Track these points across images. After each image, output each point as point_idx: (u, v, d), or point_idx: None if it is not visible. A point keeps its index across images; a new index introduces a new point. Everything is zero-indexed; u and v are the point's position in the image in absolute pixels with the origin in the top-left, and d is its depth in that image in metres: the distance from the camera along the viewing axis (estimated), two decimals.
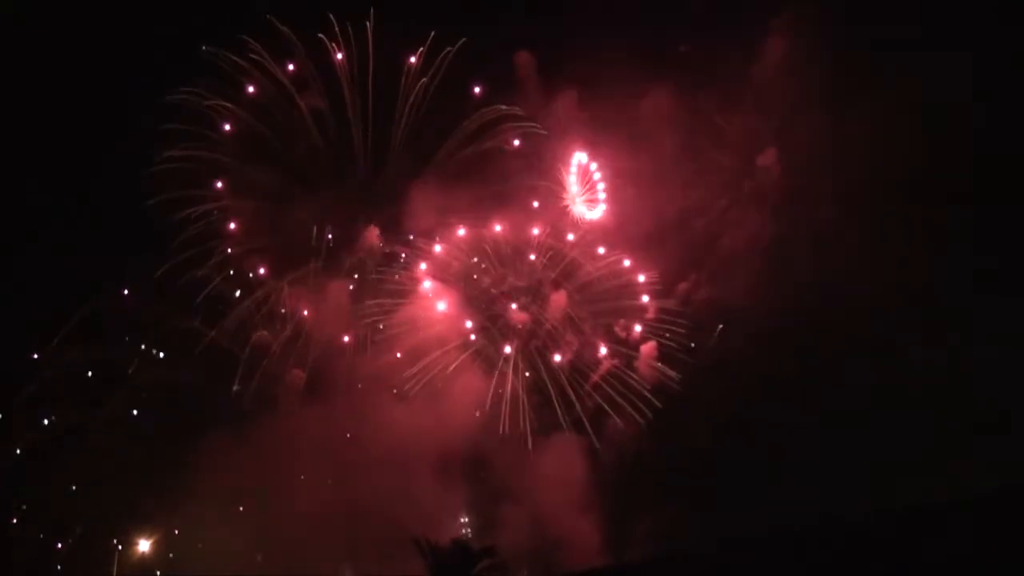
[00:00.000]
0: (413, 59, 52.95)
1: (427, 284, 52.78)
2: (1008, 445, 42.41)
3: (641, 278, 51.93)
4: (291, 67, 52.95)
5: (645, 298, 51.93)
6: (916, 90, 45.13)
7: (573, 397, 50.69)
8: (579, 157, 52.90)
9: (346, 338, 52.31)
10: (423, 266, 53.10)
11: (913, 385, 45.73)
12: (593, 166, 52.82)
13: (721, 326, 51.69)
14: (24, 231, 50.48)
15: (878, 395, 47.06)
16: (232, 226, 52.34)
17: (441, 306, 51.68)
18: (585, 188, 52.66)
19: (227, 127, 52.75)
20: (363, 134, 53.66)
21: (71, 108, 51.03)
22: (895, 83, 46.23)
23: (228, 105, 52.60)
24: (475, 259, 53.09)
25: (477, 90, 53.25)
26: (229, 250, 52.21)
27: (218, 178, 52.31)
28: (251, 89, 53.07)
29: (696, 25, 50.75)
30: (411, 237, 53.38)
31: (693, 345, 50.50)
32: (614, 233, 52.38)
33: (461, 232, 52.48)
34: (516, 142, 53.20)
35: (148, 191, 50.11)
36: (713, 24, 50.37)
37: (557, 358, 51.42)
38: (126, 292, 51.22)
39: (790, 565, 33.14)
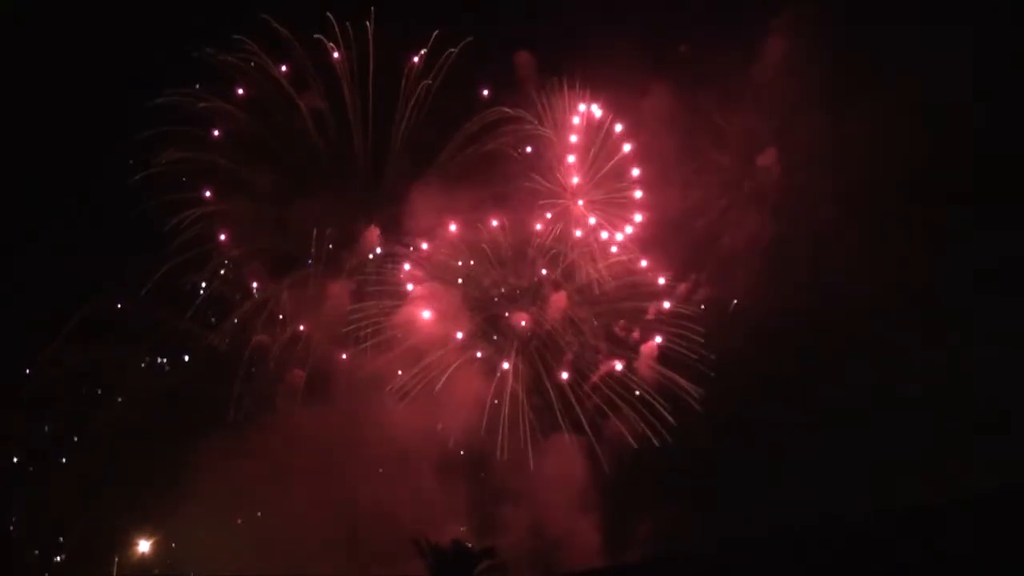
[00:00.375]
0: (416, 59, 52.96)
1: (426, 285, 52.80)
2: (1008, 445, 42.43)
3: (661, 280, 51.70)
4: (290, 68, 53.01)
5: (667, 304, 51.52)
6: (916, 90, 45.10)
7: (573, 399, 50.69)
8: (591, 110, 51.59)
9: (345, 340, 52.25)
10: (421, 267, 53.04)
11: (913, 385, 45.79)
12: (618, 127, 51.80)
13: (735, 301, 51.23)
14: (24, 232, 50.45)
15: (878, 395, 47.06)
16: (222, 237, 52.25)
17: (426, 314, 51.31)
18: (591, 174, 51.88)
19: (226, 129, 52.73)
20: (363, 135, 53.71)
21: (69, 109, 50.98)
22: (895, 83, 46.18)
23: (227, 106, 52.61)
24: (474, 260, 53.02)
25: (485, 93, 52.98)
26: (228, 253, 52.22)
27: (216, 180, 52.27)
28: (250, 90, 53.11)
29: (696, 25, 50.73)
30: (411, 238, 53.31)
31: (713, 356, 50.04)
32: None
33: (458, 231, 52.33)
34: (528, 149, 52.73)
35: (147, 193, 50.25)
36: (713, 23, 50.30)
37: (564, 375, 51.13)
38: (125, 294, 51.13)
39: (790, 565, 33.13)
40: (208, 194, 52.08)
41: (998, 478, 38.78)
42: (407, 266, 52.95)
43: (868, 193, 47.57)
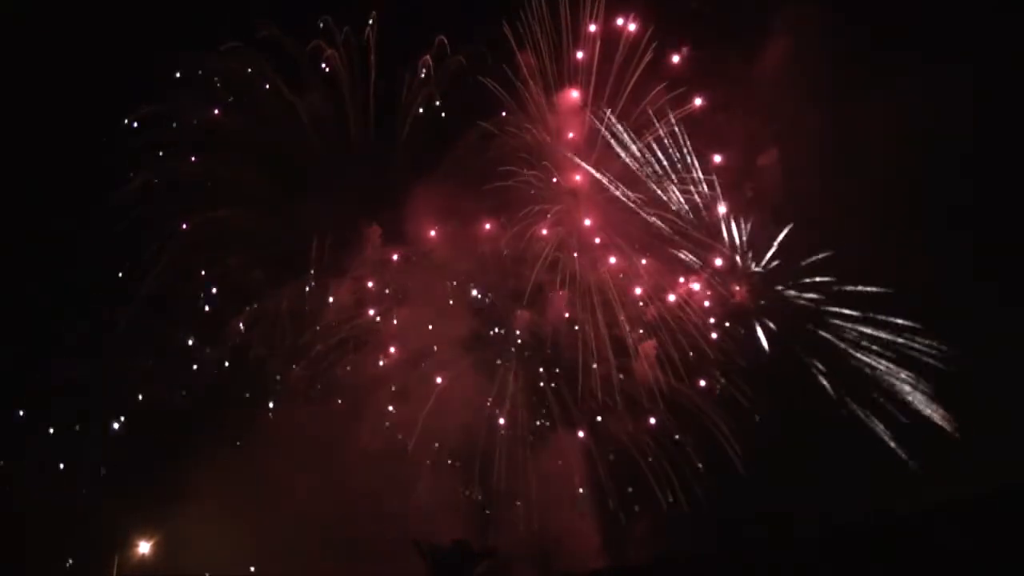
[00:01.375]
0: (420, 64, 53.09)
1: (426, 287, 52.86)
2: (1008, 445, 42.42)
3: (697, 287, 51.33)
4: (290, 73, 53.19)
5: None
6: (917, 90, 45.09)
7: (572, 400, 50.75)
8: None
9: (346, 342, 52.28)
10: (422, 269, 53.11)
11: (913, 385, 45.91)
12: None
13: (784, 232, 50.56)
14: (24, 239, 50.43)
15: (878, 395, 47.15)
16: (203, 272, 52.18)
17: (392, 350, 51.34)
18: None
19: (224, 135, 52.81)
20: (364, 137, 53.80)
21: (65, 115, 50.81)
22: (896, 83, 46.18)
23: (226, 113, 52.78)
24: (475, 262, 53.03)
25: (491, 103, 52.71)
26: (227, 260, 52.28)
27: (215, 187, 52.29)
28: (249, 96, 53.25)
29: (698, 24, 50.74)
30: (412, 240, 53.36)
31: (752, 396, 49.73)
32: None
33: (458, 233, 52.36)
34: (559, 179, 51.87)
35: (145, 201, 50.41)
36: (715, 24, 50.31)
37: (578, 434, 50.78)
38: (124, 304, 51.17)
39: (790, 566, 33.23)
40: (206, 202, 52.14)
41: (998, 478, 38.82)
42: (408, 268, 52.95)
43: (868, 193, 47.52)
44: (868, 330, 48.12)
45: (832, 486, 45.36)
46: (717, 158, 50.74)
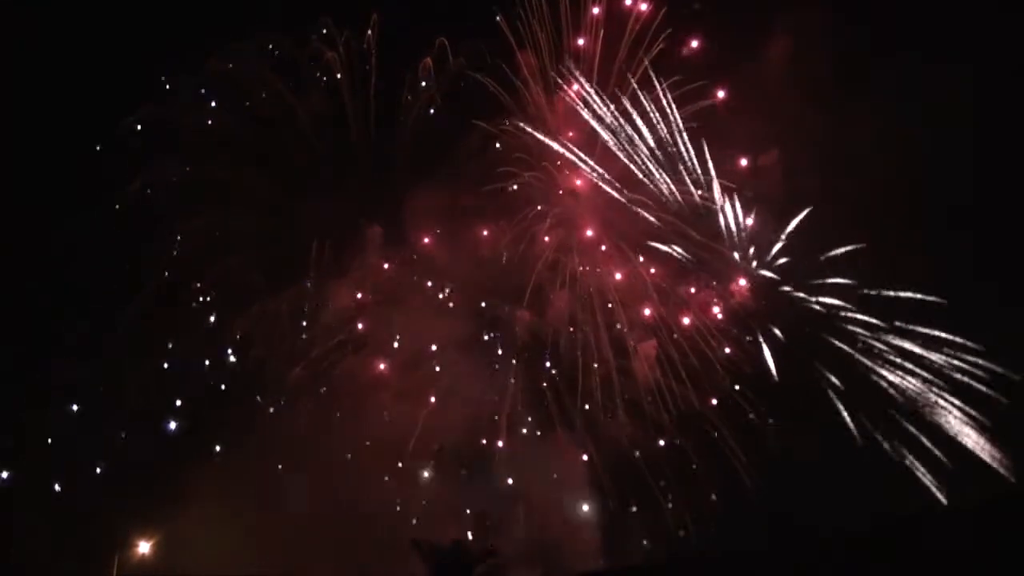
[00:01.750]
0: (420, 66, 53.17)
1: (428, 288, 52.87)
2: (1008, 445, 42.36)
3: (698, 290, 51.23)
4: (290, 75, 53.32)
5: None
6: (917, 90, 45.11)
7: (572, 400, 50.70)
8: None
9: (346, 343, 52.29)
10: (423, 269, 53.15)
11: (913, 386, 45.88)
12: None
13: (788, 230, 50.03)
14: (24, 239, 50.48)
15: (878, 398, 47.11)
16: (197, 285, 52.31)
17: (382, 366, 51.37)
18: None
19: (225, 137, 52.89)
20: (365, 138, 53.87)
21: (75, 110, 50.96)
22: (896, 83, 46.18)
23: (227, 115, 52.87)
24: (475, 263, 53.04)
25: (491, 104, 52.74)
26: (228, 262, 52.42)
27: (215, 190, 52.38)
28: (249, 98, 53.36)
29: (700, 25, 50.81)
30: (413, 241, 53.37)
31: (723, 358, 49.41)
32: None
33: (459, 235, 52.38)
34: (559, 181, 52.01)
35: (145, 204, 50.49)
36: (716, 24, 50.37)
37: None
38: (122, 307, 51.24)
39: (790, 567, 33.17)
40: (206, 203, 52.20)
41: (997, 480, 38.86)
42: (408, 269, 52.98)
43: (869, 194, 47.49)
44: (895, 341, 47.10)
45: (833, 488, 45.37)
46: (720, 157, 50.71)
